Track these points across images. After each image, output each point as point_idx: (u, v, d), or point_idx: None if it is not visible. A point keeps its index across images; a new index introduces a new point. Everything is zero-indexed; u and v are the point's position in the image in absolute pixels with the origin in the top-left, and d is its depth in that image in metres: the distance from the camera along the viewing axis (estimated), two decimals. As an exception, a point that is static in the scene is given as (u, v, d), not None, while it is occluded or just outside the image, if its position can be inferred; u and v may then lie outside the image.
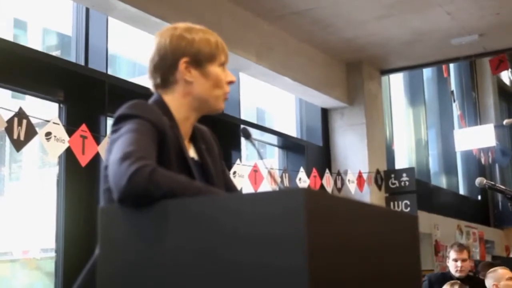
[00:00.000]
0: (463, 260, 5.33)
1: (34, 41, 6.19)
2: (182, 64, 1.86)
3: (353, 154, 7.97)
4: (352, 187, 7.48)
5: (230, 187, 2.00)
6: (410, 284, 1.68)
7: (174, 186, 1.51)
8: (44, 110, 4.89)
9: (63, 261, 4.69)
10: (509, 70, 12.07)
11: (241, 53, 6.29)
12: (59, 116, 4.79)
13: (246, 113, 7.30)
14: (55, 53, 6.01)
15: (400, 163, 10.00)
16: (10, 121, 4.03)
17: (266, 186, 6.15)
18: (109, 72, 5.39)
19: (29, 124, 4.12)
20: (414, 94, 11.16)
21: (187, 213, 1.44)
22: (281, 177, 6.56)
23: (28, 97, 4.98)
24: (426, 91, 11.49)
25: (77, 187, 4.81)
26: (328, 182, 7.18)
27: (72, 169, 4.73)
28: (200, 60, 1.87)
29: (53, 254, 4.85)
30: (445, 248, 8.12)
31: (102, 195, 1.78)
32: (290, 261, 1.29)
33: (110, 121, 4.95)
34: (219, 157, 2.00)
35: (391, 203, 7.97)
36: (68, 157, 4.59)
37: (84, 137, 4.45)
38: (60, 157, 4.67)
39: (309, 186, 6.64)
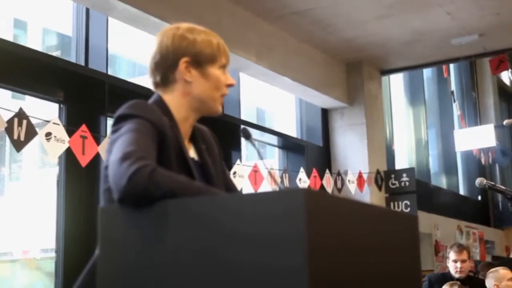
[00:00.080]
0: (463, 261, 5.33)
1: (34, 41, 6.19)
2: (182, 63, 1.86)
3: (353, 154, 7.97)
4: (352, 188, 7.48)
5: (230, 187, 2.01)
6: (410, 284, 1.68)
7: (174, 186, 1.51)
8: (44, 110, 4.89)
9: (63, 261, 4.69)
10: (509, 70, 12.06)
11: (241, 53, 6.29)
12: (59, 116, 4.79)
13: (246, 113, 7.30)
14: (55, 53, 6.01)
15: (400, 163, 10.00)
16: (10, 122, 4.03)
17: (266, 186, 6.15)
18: (109, 72, 5.39)
19: (29, 124, 4.12)
20: (414, 94, 11.16)
21: (187, 213, 1.44)
22: (281, 177, 6.56)
23: (28, 97, 4.98)
24: (426, 91, 11.49)
25: (77, 187, 4.81)
26: (328, 183, 7.18)
27: (72, 169, 4.73)
28: (201, 60, 1.87)
29: (53, 254, 4.85)
30: (445, 248, 8.12)
31: (102, 195, 1.78)
32: (290, 261, 1.29)
33: (110, 121, 4.95)
34: (219, 157, 2.00)
35: (391, 203, 7.97)
36: (68, 157, 4.59)
37: (84, 137, 4.45)
38: (60, 157, 4.67)
39: (309, 186, 6.64)
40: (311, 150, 7.89)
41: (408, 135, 10.94)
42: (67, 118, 4.89)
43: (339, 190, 7.42)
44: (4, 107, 4.08)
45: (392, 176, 8.08)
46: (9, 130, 4.02)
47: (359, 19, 6.86)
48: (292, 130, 8.06)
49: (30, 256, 5.60)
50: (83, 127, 4.48)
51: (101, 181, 1.80)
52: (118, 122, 1.72)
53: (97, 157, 4.50)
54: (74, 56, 5.24)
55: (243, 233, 1.36)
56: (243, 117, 6.94)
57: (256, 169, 6.04)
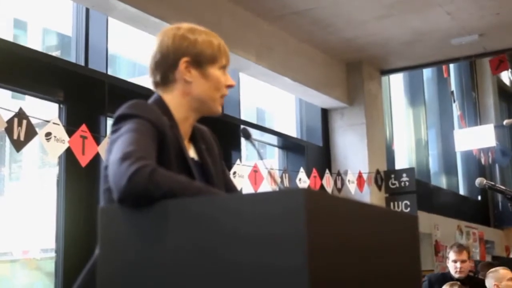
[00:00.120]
0: (463, 261, 5.33)
1: (34, 41, 6.19)
2: (182, 63, 1.86)
3: (353, 154, 7.97)
4: (352, 187, 7.48)
5: (230, 187, 2.01)
6: (410, 284, 1.68)
7: (174, 186, 1.51)
8: (44, 110, 4.89)
9: (63, 261, 4.69)
10: (509, 70, 12.07)
11: (241, 53, 6.29)
12: (59, 116, 4.79)
13: (246, 113, 7.30)
14: (55, 53, 6.01)
15: (400, 163, 10.00)
16: (10, 122, 4.03)
17: (266, 186, 6.15)
18: (109, 72, 5.39)
19: (29, 124, 4.12)
20: (414, 94, 11.16)
21: (187, 213, 1.44)
22: (281, 177, 6.56)
23: (28, 97, 4.98)
24: (426, 91, 11.49)
25: (77, 187, 4.81)
26: (328, 183, 7.18)
27: (72, 169, 4.73)
28: (201, 61, 1.88)
29: (53, 254, 4.85)
30: (445, 249, 8.12)
31: (102, 195, 1.78)
32: (290, 261, 1.29)
33: (110, 121, 4.94)
34: (219, 157, 2.00)
35: (391, 203, 7.97)
36: (68, 157, 4.59)
37: (84, 137, 4.45)
38: (60, 157, 4.67)
39: (309, 186, 6.64)
40: (311, 150, 7.89)
41: (408, 135, 10.94)
42: (67, 118, 4.89)
43: (339, 190, 7.42)
44: (4, 107, 4.08)
45: (392, 176, 8.08)
46: (9, 130, 4.02)
47: (359, 19, 6.86)
48: (292, 130, 8.06)
49: (30, 256, 5.59)
50: (83, 127, 4.48)
51: (101, 181, 1.80)
52: (118, 122, 1.72)
53: (97, 157, 4.49)
54: (74, 56, 5.24)
55: (243, 233, 1.36)
56: (243, 117, 6.94)
57: (256, 169, 6.04)
